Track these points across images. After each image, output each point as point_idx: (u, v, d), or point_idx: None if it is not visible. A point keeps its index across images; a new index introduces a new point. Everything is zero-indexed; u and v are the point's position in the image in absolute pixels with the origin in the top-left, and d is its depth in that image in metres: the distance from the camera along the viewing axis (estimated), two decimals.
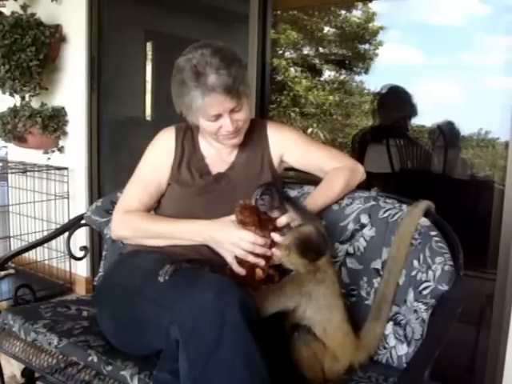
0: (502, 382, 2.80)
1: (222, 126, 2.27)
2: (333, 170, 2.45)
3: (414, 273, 2.14)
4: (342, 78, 8.45)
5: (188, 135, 2.50)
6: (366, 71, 8.26)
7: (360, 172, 2.52)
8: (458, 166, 4.39)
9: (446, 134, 4.26)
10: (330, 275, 2.05)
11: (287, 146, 2.50)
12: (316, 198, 2.39)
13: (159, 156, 2.46)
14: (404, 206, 2.33)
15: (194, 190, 2.37)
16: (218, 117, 2.24)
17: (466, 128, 4.63)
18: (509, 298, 2.77)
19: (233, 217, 2.15)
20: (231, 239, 2.12)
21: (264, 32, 3.74)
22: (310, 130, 8.33)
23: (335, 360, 2.02)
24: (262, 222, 2.13)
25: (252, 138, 2.48)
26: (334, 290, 2.05)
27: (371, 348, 2.14)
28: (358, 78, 8.32)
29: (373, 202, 2.42)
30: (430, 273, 2.05)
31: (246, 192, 2.31)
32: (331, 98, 8.50)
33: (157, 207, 2.47)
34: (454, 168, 4.31)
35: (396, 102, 4.43)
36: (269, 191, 2.14)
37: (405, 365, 2.12)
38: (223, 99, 2.18)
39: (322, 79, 8.56)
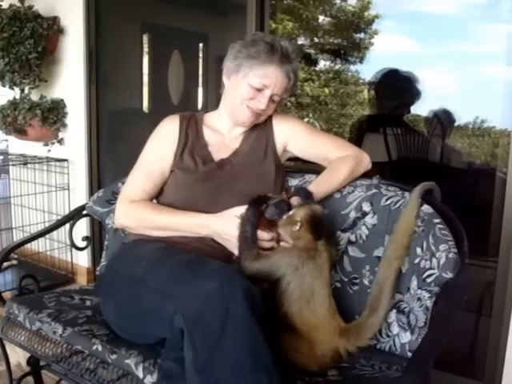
0: (502, 369, 2.81)
1: (255, 98, 2.36)
2: (337, 159, 2.46)
3: (417, 260, 2.13)
4: (337, 67, 8.41)
5: (192, 123, 2.51)
6: (361, 60, 8.21)
7: (365, 161, 2.51)
8: (455, 154, 4.40)
9: (443, 122, 4.27)
10: (323, 259, 2.08)
11: (292, 135, 2.53)
12: (319, 186, 2.39)
13: (163, 144, 2.47)
14: (406, 194, 2.32)
15: (197, 176, 2.38)
16: (260, 90, 2.34)
17: (462, 117, 4.63)
18: (510, 285, 2.77)
19: (237, 209, 2.16)
20: (237, 235, 2.13)
21: (262, 22, 3.73)
22: (305, 120, 8.31)
23: (313, 344, 2.01)
24: (267, 221, 2.15)
25: (257, 126, 2.50)
26: (322, 275, 2.06)
27: (360, 339, 2.09)
28: (353, 67, 8.28)
29: (375, 190, 2.41)
30: (434, 260, 2.04)
31: (248, 179, 2.34)
32: (326, 90, 8.47)
33: (159, 195, 2.47)
34: (452, 156, 4.32)
35: (394, 86, 4.43)
36: (278, 205, 2.15)
37: (408, 353, 2.13)
38: (281, 76, 2.35)
39: (317, 69, 8.52)
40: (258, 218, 2.12)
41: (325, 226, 2.13)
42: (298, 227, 2.05)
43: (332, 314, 2.09)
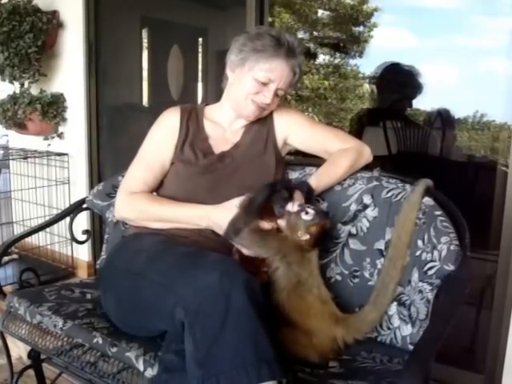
0: (503, 363, 2.81)
1: (260, 92, 2.35)
2: (338, 151, 2.45)
3: (418, 253, 2.13)
4: (336, 61, 8.39)
5: (193, 116, 2.50)
6: (361, 54, 8.18)
7: (366, 154, 2.50)
8: (455, 148, 4.41)
9: (444, 116, 4.27)
10: (311, 252, 2.13)
11: (292, 128, 2.52)
12: (319, 179, 2.39)
13: (164, 136, 2.46)
14: (407, 186, 2.32)
15: (198, 169, 2.38)
16: (265, 84, 2.34)
17: (461, 111, 4.63)
18: (511, 279, 2.78)
19: (238, 201, 2.16)
20: None
21: (262, 16, 3.72)
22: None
23: (311, 334, 2.03)
24: (269, 212, 2.14)
25: (258, 119, 2.49)
26: (309, 266, 2.11)
27: (358, 331, 2.11)
28: (352, 61, 8.26)
29: (375, 183, 2.41)
30: (436, 253, 2.03)
31: (248, 172, 2.34)
32: (326, 82, 8.46)
33: (159, 187, 2.47)
34: (453, 150, 4.32)
35: (395, 80, 4.43)
36: (282, 199, 2.15)
37: (409, 345, 2.13)
38: (287, 70, 2.35)
39: (316, 63, 8.50)
40: (264, 207, 2.13)
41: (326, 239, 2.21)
42: (305, 238, 2.09)
43: (323, 301, 2.11)
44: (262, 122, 2.51)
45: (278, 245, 2.08)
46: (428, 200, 2.19)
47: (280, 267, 2.05)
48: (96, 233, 4.51)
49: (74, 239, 2.95)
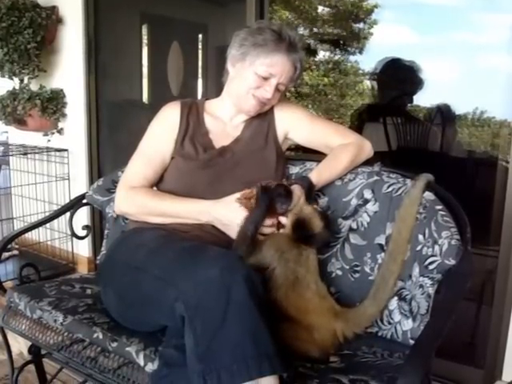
0: (504, 357, 2.82)
1: (261, 87, 2.35)
2: (339, 146, 2.44)
3: (419, 247, 2.12)
4: (336, 58, 8.41)
5: (193, 110, 2.50)
6: (361, 51, 8.20)
7: (367, 149, 2.49)
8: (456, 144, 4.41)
9: (444, 113, 4.26)
10: (309, 250, 2.13)
11: (293, 122, 2.52)
12: (320, 174, 2.38)
13: (164, 130, 2.46)
14: (408, 181, 2.31)
15: (198, 163, 2.37)
16: (266, 79, 2.33)
17: (461, 107, 4.63)
18: (511, 274, 2.78)
19: (238, 195, 2.16)
20: (237, 221, 2.12)
21: (262, 12, 3.71)
22: None
23: (312, 329, 2.02)
24: (270, 209, 2.14)
25: (259, 114, 2.49)
26: (307, 263, 2.10)
27: (358, 325, 2.10)
28: (352, 57, 8.28)
29: (376, 177, 2.40)
30: (437, 247, 2.02)
31: (249, 166, 2.33)
32: (326, 79, 8.47)
33: (159, 182, 2.46)
34: (453, 146, 4.32)
35: (396, 76, 4.43)
36: (285, 195, 2.15)
37: (410, 340, 2.12)
38: (288, 65, 2.35)
39: (316, 59, 8.51)
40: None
41: (314, 238, 2.15)
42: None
43: (322, 296, 2.11)
44: (263, 117, 2.50)
45: (275, 246, 2.08)
46: (429, 195, 2.18)
47: (277, 266, 2.05)
48: (96, 228, 4.50)
49: (74, 235, 2.95)
